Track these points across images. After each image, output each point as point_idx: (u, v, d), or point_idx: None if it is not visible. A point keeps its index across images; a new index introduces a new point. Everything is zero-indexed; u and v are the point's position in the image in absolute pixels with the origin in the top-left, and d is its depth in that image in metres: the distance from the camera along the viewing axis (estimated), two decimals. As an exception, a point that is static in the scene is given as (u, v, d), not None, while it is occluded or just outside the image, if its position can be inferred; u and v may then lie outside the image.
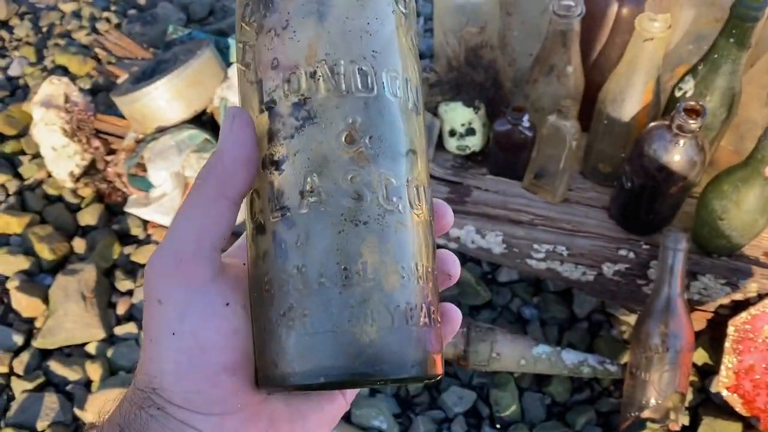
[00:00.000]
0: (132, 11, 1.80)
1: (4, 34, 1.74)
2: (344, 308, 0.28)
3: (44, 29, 1.76)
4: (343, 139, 0.29)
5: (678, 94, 0.90)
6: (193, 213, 0.29)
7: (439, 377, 0.30)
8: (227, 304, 0.29)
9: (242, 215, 0.31)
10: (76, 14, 1.80)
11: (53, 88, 1.27)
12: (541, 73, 0.96)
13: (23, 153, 1.43)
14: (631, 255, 0.98)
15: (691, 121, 0.80)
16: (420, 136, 0.31)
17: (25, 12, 1.81)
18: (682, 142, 0.83)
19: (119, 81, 1.38)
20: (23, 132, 1.45)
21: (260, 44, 0.30)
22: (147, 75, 1.19)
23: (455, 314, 0.33)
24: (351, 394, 0.34)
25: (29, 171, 1.38)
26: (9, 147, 1.42)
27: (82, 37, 1.72)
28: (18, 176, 1.39)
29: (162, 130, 1.18)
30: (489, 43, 1.05)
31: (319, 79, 0.29)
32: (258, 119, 0.30)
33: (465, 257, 1.22)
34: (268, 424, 0.30)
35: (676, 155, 0.84)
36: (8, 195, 1.34)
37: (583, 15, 0.89)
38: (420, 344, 0.29)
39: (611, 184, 1.01)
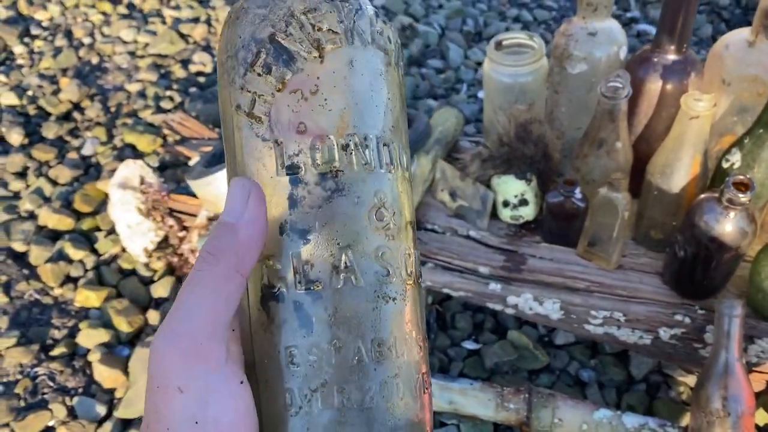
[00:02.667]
0: (193, 89, 1.92)
1: (77, 115, 1.86)
2: (379, 384, 0.28)
3: (113, 109, 1.88)
4: (374, 215, 0.29)
5: (726, 165, 0.94)
6: (204, 292, 0.27)
7: None
8: (241, 383, 0.28)
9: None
10: (142, 94, 1.92)
11: (129, 170, 1.36)
12: (591, 149, 1.01)
13: (98, 229, 1.52)
14: (687, 320, 1.00)
15: (741, 195, 0.84)
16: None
17: (94, 94, 1.94)
18: (732, 214, 0.86)
19: (190, 162, 1.47)
20: (98, 209, 1.55)
21: (281, 102, 0.28)
22: (217, 158, 1.27)
23: None
24: None
25: (105, 246, 1.47)
26: (86, 224, 1.52)
27: (148, 115, 1.83)
28: (94, 251, 1.47)
29: (232, 209, 1.25)
30: (537, 118, 1.10)
31: (351, 153, 0.29)
32: (274, 180, 0.28)
33: (521, 320, 1.26)
34: None
35: (728, 226, 0.87)
36: (86, 270, 1.43)
37: (630, 96, 0.94)
38: (429, 409, 0.30)
39: (663, 250, 1.04)
